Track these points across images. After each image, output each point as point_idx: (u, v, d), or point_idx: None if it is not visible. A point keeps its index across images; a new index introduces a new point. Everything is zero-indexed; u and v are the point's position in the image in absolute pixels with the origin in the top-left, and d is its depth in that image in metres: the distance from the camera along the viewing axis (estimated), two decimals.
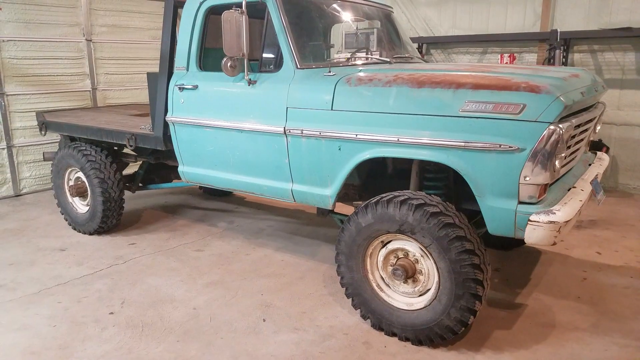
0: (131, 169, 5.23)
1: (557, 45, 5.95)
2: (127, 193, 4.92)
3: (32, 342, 3.02)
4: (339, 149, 3.08)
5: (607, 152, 5.77)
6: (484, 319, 3.19)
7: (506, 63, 6.44)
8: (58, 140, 5.87)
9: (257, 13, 3.45)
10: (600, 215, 5.17)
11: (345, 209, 3.67)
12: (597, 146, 5.67)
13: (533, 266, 4.00)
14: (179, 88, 3.89)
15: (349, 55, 3.77)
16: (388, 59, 3.78)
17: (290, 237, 4.76)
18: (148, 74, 4.32)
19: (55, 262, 4.21)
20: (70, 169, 4.90)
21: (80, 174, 4.80)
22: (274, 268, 4.04)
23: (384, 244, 3.00)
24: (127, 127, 4.58)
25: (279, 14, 3.34)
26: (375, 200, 2.90)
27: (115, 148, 5.00)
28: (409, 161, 3.11)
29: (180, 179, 4.28)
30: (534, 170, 2.47)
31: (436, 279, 2.81)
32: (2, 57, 5.97)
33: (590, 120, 3.15)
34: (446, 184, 3.16)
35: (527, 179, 2.49)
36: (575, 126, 2.73)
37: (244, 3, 3.23)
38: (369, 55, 3.88)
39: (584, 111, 2.96)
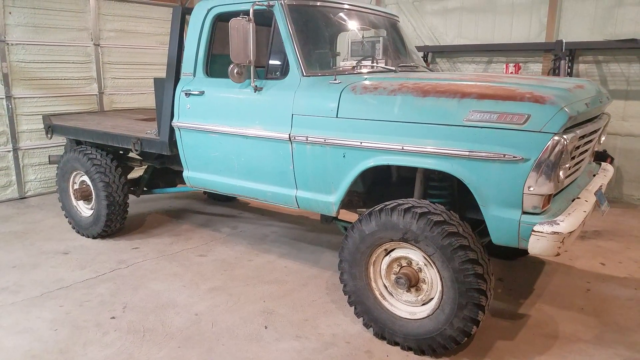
0: (136, 173, 5.25)
1: (562, 56, 5.96)
2: (131, 197, 4.94)
3: (33, 346, 3.03)
4: (344, 156, 3.09)
5: (611, 162, 5.75)
6: (487, 329, 3.17)
7: (511, 73, 6.44)
8: (64, 143, 5.90)
9: (264, 20, 3.48)
10: (605, 226, 5.15)
11: (349, 216, 3.67)
12: (601, 157, 5.65)
13: (536, 276, 3.98)
14: (186, 94, 3.91)
15: (354, 63, 3.79)
16: (393, 68, 3.79)
17: (293, 243, 4.76)
18: (155, 79, 4.35)
19: (58, 266, 4.23)
20: (75, 173, 4.93)
21: (85, 178, 4.82)
22: (277, 274, 4.04)
23: (388, 252, 3.00)
24: (133, 131, 4.61)
25: (286, 21, 3.36)
26: (379, 208, 2.91)
27: (121, 152, 5.03)
28: (414, 169, 3.11)
29: (184, 183, 4.29)
30: (538, 181, 2.46)
31: (439, 288, 2.80)
32: (11, 60, 6.03)
33: (595, 131, 3.15)
34: (450, 192, 3.16)
35: (531, 189, 2.49)
36: (580, 137, 2.72)
37: (251, 10, 3.26)
38: (375, 64, 3.90)
39: (588, 122, 2.96)
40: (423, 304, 2.93)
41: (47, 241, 4.82)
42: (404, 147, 2.82)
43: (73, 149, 4.90)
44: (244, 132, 3.56)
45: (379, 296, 3.05)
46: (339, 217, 3.49)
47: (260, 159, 3.54)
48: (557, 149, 2.42)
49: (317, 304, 3.55)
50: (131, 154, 4.89)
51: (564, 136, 2.45)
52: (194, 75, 3.92)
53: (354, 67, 3.71)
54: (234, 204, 6.14)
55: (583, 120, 2.86)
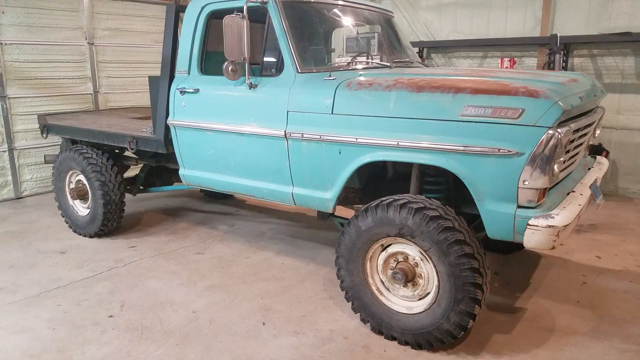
0: (132, 171, 5.24)
1: (557, 50, 5.97)
2: (127, 196, 4.94)
3: (31, 345, 3.03)
4: (340, 152, 3.10)
5: (606, 156, 5.77)
6: (484, 322, 3.19)
7: (506, 67, 6.45)
8: (59, 143, 5.89)
9: (258, 17, 3.47)
10: (600, 220, 5.17)
11: (346, 212, 3.67)
12: (596, 150, 5.68)
13: (533, 270, 4.00)
14: (180, 91, 3.91)
15: (349, 59, 3.79)
16: (388, 64, 3.80)
17: (290, 240, 4.77)
18: (150, 77, 4.33)
19: (55, 265, 4.22)
20: (71, 172, 4.92)
21: (82, 177, 4.81)
22: (275, 271, 4.05)
23: (384, 248, 3.01)
24: (129, 130, 4.60)
25: (280, 18, 3.36)
26: (375, 203, 2.91)
27: (117, 151, 5.01)
28: (409, 165, 3.12)
29: (181, 181, 4.29)
30: (532, 175, 2.48)
31: (436, 282, 2.81)
32: (5, 60, 6.00)
33: (589, 125, 3.16)
34: (446, 187, 3.17)
35: (526, 183, 2.50)
36: (574, 131, 2.73)
37: (245, 7, 3.25)
38: (370, 60, 3.90)
39: (582, 116, 2.98)
40: (420, 299, 2.94)
41: (44, 241, 4.81)
42: (400, 143, 2.83)
43: (69, 148, 4.88)
44: (239, 130, 3.56)
45: (376, 291, 3.06)
46: (336, 214, 3.50)
47: (256, 156, 3.54)
48: (551, 142, 2.43)
49: (314, 300, 3.56)
50: (127, 153, 4.88)
51: (558, 130, 2.46)
52: (189, 73, 3.92)
53: (348, 63, 3.70)
54: (231, 202, 6.14)
55: (577, 114, 2.87)
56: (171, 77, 4.03)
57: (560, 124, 2.55)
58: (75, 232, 4.98)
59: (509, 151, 2.51)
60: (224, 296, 3.62)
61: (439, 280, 2.78)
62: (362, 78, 3.14)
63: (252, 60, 3.39)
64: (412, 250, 2.89)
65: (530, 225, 2.49)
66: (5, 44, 5.99)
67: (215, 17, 3.78)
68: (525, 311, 3.36)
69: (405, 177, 3.26)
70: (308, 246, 4.60)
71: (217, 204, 6.04)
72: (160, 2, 7.42)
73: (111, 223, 4.76)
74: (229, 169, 3.77)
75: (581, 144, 3.16)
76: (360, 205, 3.41)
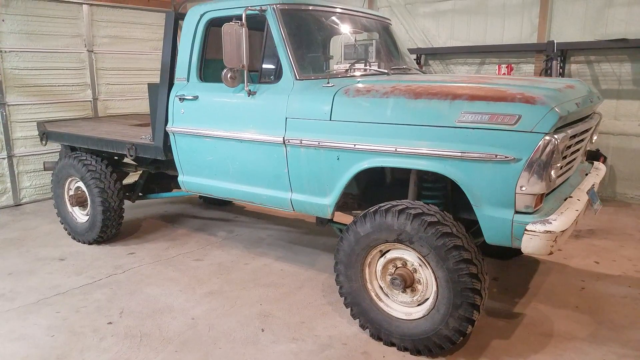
0: (131, 178, 5.25)
1: (554, 56, 6.01)
2: (126, 202, 4.94)
3: (30, 352, 3.02)
4: (338, 158, 3.11)
5: (604, 161, 5.80)
6: (482, 328, 3.19)
7: (504, 74, 6.48)
8: (59, 150, 5.90)
9: (257, 25, 3.50)
10: (599, 225, 5.18)
11: (344, 218, 3.68)
12: (594, 156, 5.70)
13: (531, 275, 4.00)
14: (180, 98, 3.93)
15: (347, 66, 3.81)
16: (386, 70, 3.82)
17: (289, 246, 4.77)
18: (149, 84, 4.36)
19: (54, 272, 4.22)
20: (70, 179, 4.93)
21: (81, 184, 4.82)
22: (273, 277, 4.05)
23: (383, 253, 3.01)
24: (128, 137, 4.62)
25: (279, 26, 3.38)
26: (374, 209, 2.92)
27: (116, 158, 5.03)
28: (407, 171, 3.13)
29: (180, 188, 4.30)
30: (530, 180, 2.49)
31: (434, 288, 2.82)
32: (4, 67, 6.03)
33: (586, 131, 3.18)
34: (444, 193, 3.18)
35: (523, 188, 2.51)
36: (571, 136, 2.75)
37: (244, 15, 3.27)
38: (367, 67, 3.93)
39: (579, 121, 3.00)
40: (418, 305, 2.94)
41: (43, 248, 4.81)
42: (397, 149, 2.85)
43: (68, 155, 4.89)
44: (238, 136, 3.57)
45: (374, 297, 3.07)
46: (334, 220, 3.50)
47: (255, 162, 3.56)
48: (548, 148, 2.44)
49: (313, 306, 3.56)
50: (126, 160, 4.89)
51: (555, 136, 2.48)
52: (188, 80, 3.94)
53: (347, 70, 3.73)
54: (230, 208, 6.14)
55: (574, 120, 2.89)
56: (170, 84, 4.05)
57: (557, 129, 2.57)
58: (74, 238, 4.98)
59: (506, 157, 2.52)
60: (222, 302, 3.62)
61: (437, 286, 2.78)
62: (360, 85, 3.16)
63: (251, 68, 3.42)
64: (410, 256, 2.90)
65: (528, 230, 2.50)
66: (5, 52, 6.02)
67: (214, 25, 3.81)
68: (523, 316, 3.37)
69: (404, 183, 3.28)
70: (307, 252, 4.61)
71: (216, 211, 6.04)
72: (160, 9, 7.47)
73: (110, 230, 4.76)
74: (227, 176, 3.78)
75: (578, 150, 3.18)
76: (359, 211, 3.42)
